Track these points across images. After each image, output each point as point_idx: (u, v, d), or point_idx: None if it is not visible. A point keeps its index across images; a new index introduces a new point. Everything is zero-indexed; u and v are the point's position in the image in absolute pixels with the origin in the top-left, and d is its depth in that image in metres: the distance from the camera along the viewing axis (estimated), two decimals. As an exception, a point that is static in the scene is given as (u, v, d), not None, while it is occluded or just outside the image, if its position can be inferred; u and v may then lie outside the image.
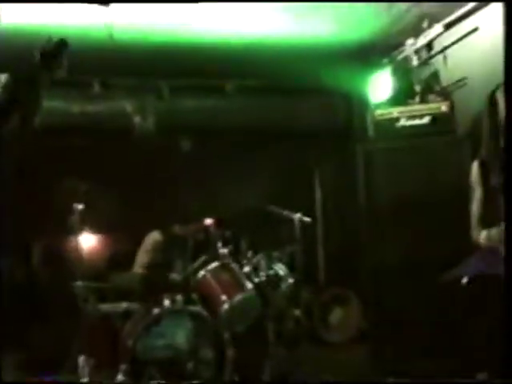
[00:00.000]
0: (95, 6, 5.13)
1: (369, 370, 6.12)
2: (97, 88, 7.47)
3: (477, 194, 4.26)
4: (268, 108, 7.96)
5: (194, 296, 5.59)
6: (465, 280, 4.16)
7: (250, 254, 5.93)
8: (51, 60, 2.43)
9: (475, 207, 4.27)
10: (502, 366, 3.51)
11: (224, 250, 5.79)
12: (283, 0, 5.59)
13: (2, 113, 2.46)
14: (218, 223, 6.09)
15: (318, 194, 8.56)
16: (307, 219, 6.06)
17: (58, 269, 7.50)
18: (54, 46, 2.44)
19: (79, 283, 5.59)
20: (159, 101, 7.51)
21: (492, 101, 4.05)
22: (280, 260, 5.93)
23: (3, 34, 5.88)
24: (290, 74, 7.24)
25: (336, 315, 7.85)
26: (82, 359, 5.43)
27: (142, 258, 6.18)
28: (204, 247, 6.17)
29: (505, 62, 3.79)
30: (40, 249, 8.00)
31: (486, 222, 4.12)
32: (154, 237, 6.26)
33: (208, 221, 6.10)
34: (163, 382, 5.27)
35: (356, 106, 7.74)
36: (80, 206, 5.71)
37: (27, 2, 5.36)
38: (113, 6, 5.14)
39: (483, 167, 4.18)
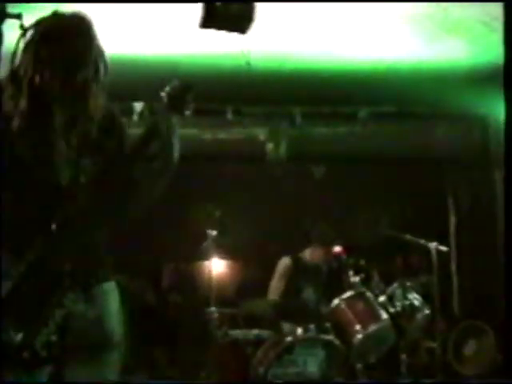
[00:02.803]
0: (231, 34, 5.17)
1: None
2: (230, 115, 7.53)
3: None
4: (401, 134, 7.82)
5: (327, 324, 5.52)
6: None
7: (381, 283, 5.84)
8: (178, 102, 2.45)
9: None
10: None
11: (355, 279, 5.71)
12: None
13: (140, 143, 2.49)
14: (349, 251, 6.02)
15: (453, 222, 8.33)
16: (444, 248, 5.92)
17: (190, 293, 7.61)
18: (181, 88, 2.46)
19: (212, 309, 5.64)
20: (292, 128, 7.50)
21: None
22: (414, 290, 5.80)
23: (138, 64, 6.04)
24: (423, 98, 7.11)
25: (470, 348, 7.60)
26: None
27: (275, 284, 6.16)
28: (335, 275, 6.12)
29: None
30: (171, 272, 8.13)
31: None
32: (285, 262, 6.25)
33: (337, 248, 6.04)
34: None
35: (493, 130, 7.52)
36: (214, 232, 5.78)
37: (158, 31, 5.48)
38: (249, 33, 5.17)
39: None
